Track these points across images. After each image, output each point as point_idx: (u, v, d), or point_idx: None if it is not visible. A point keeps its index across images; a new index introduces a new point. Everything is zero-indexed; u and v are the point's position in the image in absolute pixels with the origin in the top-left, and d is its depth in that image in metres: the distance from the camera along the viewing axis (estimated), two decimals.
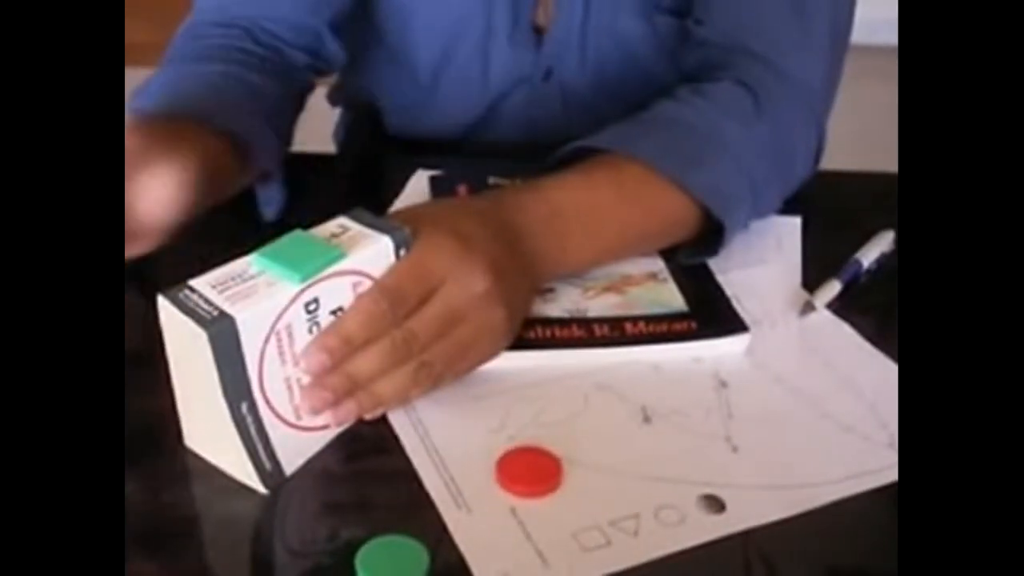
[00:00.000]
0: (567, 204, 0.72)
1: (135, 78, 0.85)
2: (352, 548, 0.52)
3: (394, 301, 0.60)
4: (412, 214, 0.66)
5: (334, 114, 1.22)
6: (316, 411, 0.59)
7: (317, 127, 1.25)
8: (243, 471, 0.58)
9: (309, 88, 0.95)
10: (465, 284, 0.62)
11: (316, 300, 0.58)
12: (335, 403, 0.59)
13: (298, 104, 0.93)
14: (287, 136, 0.88)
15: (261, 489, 0.58)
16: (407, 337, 0.60)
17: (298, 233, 0.60)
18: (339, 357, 0.59)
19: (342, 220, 0.62)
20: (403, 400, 0.63)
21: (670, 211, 0.76)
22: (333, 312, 0.59)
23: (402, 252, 0.61)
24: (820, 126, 0.85)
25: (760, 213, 0.80)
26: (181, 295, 0.56)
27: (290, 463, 0.59)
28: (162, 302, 0.56)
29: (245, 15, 0.89)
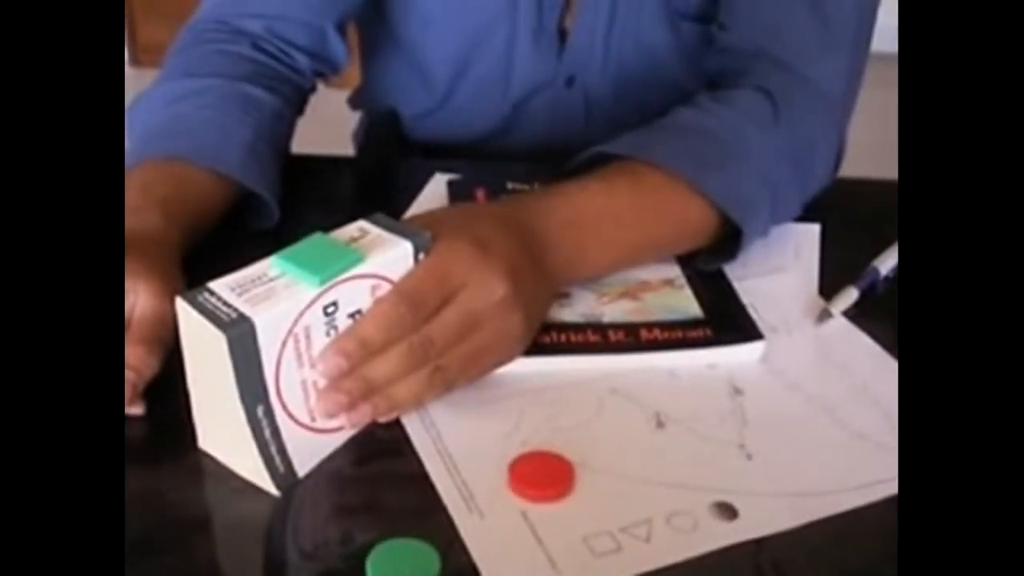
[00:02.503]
0: (586, 210, 0.72)
1: (149, 78, 0.86)
2: (363, 551, 0.52)
3: (412, 305, 0.60)
4: (431, 218, 0.66)
5: (353, 117, 1.22)
6: (331, 415, 0.59)
7: (336, 130, 1.26)
8: (256, 472, 0.58)
9: (311, 90, 0.96)
10: (483, 289, 0.62)
11: (335, 303, 0.58)
12: (350, 407, 0.60)
13: (298, 109, 0.94)
14: (286, 148, 0.89)
15: (273, 491, 0.58)
16: (424, 342, 0.60)
17: (318, 236, 0.60)
18: (356, 361, 0.59)
19: (362, 224, 0.62)
20: (418, 404, 0.63)
21: (689, 217, 0.75)
22: (351, 315, 0.59)
23: (421, 256, 0.61)
24: (840, 132, 0.85)
25: (779, 218, 0.80)
26: (200, 297, 0.56)
27: (303, 464, 0.60)
28: (180, 304, 0.56)
29: (255, 14, 0.90)
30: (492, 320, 0.63)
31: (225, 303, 0.55)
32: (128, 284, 0.64)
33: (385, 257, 0.60)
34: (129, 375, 0.62)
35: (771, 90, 0.80)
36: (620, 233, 0.73)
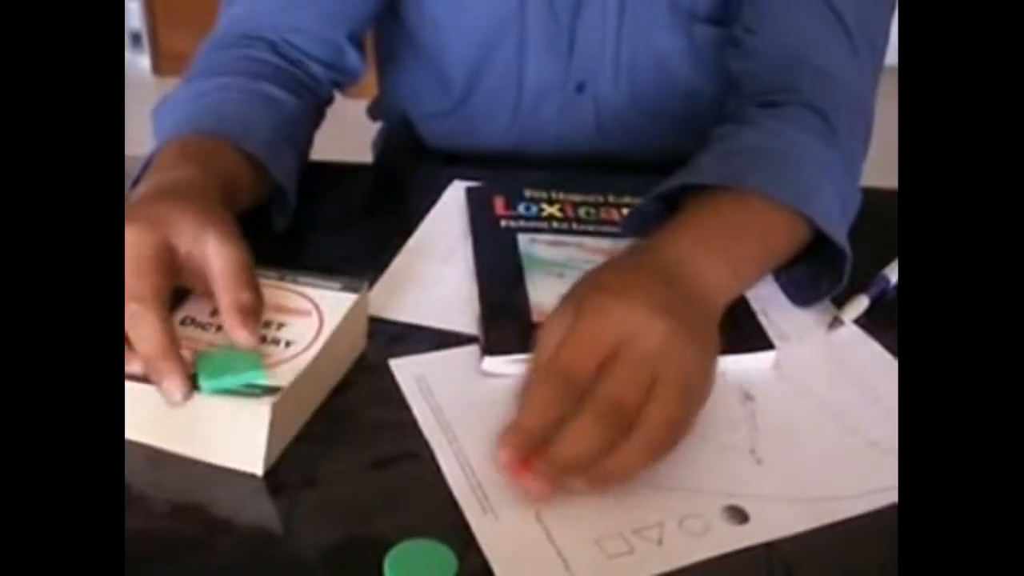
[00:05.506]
0: (708, 227, 0.71)
1: (171, 87, 0.88)
2: (381, 551, 0.53)
3: (567, 379, 0.59)
4: (572, 290, 0.65)
5: (371, 127, 1.23)
6: (541, 500, 0.58)
7: (354, 140, 1.27)
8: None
9: (328, 101, 0.97)
10: (643, 331, 0.60)
11: None
12: (547, 486, 0.57)
13: (318, 117, 0.95)
14: (305, 148, 0.90)
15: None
16: (611, 403, 0.58)
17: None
18: (527, 450, 0.57)
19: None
20: (631, 473, 0.58)
21: (792, 232, 0.75)
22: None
23: (356, 297, 0.66)
24: (868, 137, 0.86)
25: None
26: None
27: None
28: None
29: (270, 27, 0.91)
30: (670, 359, 0.59)
31: None
32: (195, 231, 0.64)
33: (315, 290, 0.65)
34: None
35: (821, 107, 0.80)
36: (747, 242, 0.72)
